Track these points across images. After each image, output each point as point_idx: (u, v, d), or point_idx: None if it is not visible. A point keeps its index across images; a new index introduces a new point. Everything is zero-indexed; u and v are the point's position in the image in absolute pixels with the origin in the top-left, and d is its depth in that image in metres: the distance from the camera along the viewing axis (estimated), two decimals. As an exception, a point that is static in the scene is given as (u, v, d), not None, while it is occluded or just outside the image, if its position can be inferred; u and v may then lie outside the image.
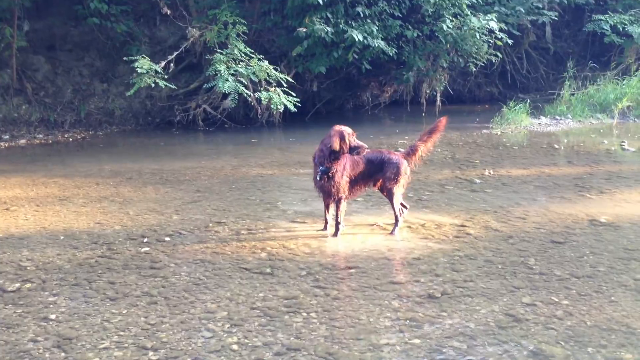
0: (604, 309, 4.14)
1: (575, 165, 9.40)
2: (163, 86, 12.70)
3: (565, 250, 5.38)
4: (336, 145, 5.47)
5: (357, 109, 18.06)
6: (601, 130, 13.26)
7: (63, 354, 3.59)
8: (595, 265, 4.97)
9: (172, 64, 13.49)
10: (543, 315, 4.06)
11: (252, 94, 12.91)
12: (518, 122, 14.02)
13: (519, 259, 5.15)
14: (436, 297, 4.36)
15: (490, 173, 8.76)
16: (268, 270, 4.94)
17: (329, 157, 5.55)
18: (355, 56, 14.44)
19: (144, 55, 12.80)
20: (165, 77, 12.75)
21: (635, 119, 14.59)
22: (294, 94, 13.15)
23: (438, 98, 17.30)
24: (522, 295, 4.40)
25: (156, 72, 12.52)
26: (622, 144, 11.05)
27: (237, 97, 12.71)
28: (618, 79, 16.31)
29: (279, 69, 13.34)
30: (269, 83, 13.01)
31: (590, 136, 12.48)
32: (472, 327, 3.91)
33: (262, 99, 12.72)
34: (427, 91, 17.20)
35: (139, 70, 12.25)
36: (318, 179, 5.67)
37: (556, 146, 11.21)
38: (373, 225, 6.19)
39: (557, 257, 5.19)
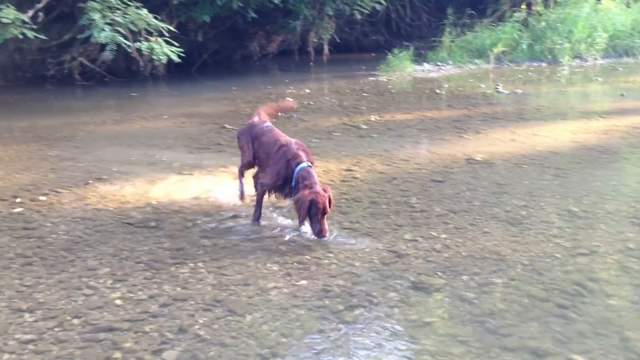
0: (477, 240, 4.41)
1: (455, 108, 9.82)
2: (32, 38, 11.72)
3: (444, 188, 5.65)
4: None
5: (245, 60, 17.71)
6: (479, 75, 13.90)
7: None
8: (470, 201, 5.26)
9: (41, 13, 12.46)
10: (423, 250, 4.26)
11: (131, 45, 12.25)
12: (403, 69, 14.38)
13: (402, 199, 5.35)
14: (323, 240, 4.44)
15: (376, 118, 8.97)
16: (153, 224, 4.81)
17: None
18: (240, 4, 14.05)
19: (8, 4, 11.71)
20: (35, 27, 11.77)
21: (509, 63, 15.41)
22: (177, 44, 12.64)
23: (325, 47, 17.32)
24: (404, 232, 4.59)
25: (23, 22, 11.52)
26: (497, 87, 11.66)
27: (115, 48, 12.01)
28: (494, 26, 17.05)
29: (159, 18, 12.73)
30: (149, 33, 12.39)
31: (469, 81, 13.06)
32: (357, 265, 4.03)
33: (143, 49, 12.12)
34: (315, 40, 17.15)
35: (4, 21, 11.17)
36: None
37: (438, 91, 11.63)
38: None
39: (437, 195, 5.44)
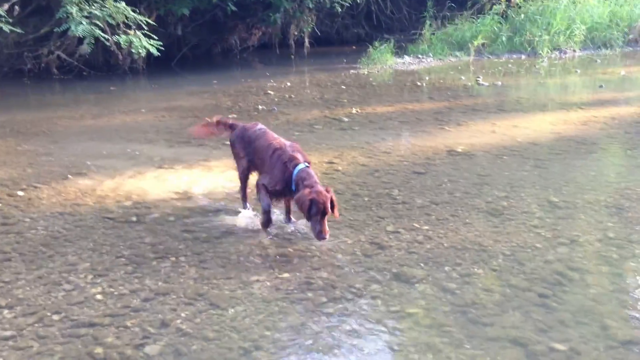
0: (459, 231, 4.43)
1: (436, 100, 9.85)
2: (8, 31, 11.54)
3: (426, 179, 5.66)
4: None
5: (226, 53, 17.58)
6: (459, 67, 13.95)
7: None
8: (452, 192, 5.28)
9: (17, 7, 12.25)
10: (405, 241, 4.27)
11: (110, 38, 12.09)
12: (383, 61, 14.37)
13: (384, 191, 5.35)
14: (304, 233, 4.43)
15: (357, 111, 8.96)
16: (133, 218, 4.76)
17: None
18: (220, -4, 13.96)
19: (-18, -2, 11.52)
20: (11, 21, 11.58)
21: (489, 56, 15.49)
22: (156, 38, 12.50)
23: (306, 40, 17.26)
24: (386, 224, 4.60)
25: (-1, 15, 11.34)
26: (478, 79, 11.72)
27: (93, 41, 11.84)
28: (474, 18, 17.11)
29: (138, 11, 12.57)
30: (127, 26, 12.24)
31: (450, 73, 13.10)
32: (340, 257, 4.03)
33: (122, 43, 11.97)
34: (295, 33, 17.09)
35: (-22, 14, 11.03)
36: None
37: (419, 83, 11.65)
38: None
39: (419, 187, 5.45)
